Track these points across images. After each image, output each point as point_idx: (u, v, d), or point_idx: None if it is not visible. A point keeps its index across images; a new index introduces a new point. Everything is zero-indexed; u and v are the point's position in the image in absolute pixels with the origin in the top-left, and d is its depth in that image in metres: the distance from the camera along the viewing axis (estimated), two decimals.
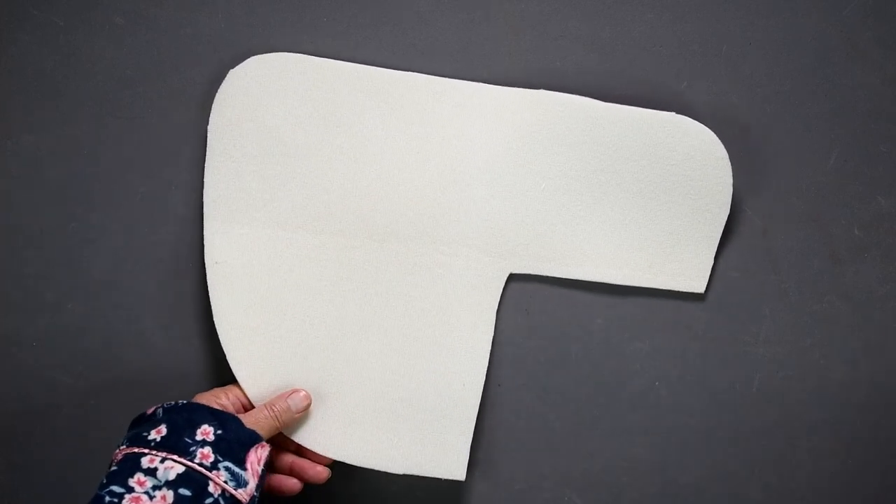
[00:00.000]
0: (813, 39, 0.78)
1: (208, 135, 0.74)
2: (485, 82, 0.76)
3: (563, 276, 0.76)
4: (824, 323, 0.77)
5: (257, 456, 0.63)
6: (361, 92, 0.75)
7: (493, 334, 0.75)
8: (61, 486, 0.76)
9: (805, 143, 0.78)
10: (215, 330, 0.73)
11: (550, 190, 0.76)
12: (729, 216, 0.76)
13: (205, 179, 0.75)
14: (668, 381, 0.77)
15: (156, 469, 0.58)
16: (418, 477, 0.75)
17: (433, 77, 0.76)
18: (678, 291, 0.77)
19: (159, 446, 0.60)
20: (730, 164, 0.75)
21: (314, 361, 0.74)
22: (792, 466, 0.77)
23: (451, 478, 0.75)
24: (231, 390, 0.70)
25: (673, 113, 0.75)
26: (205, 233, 0.74)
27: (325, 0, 0.77)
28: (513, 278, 0.76)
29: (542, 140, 0.75)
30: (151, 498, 0.57)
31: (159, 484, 0.58)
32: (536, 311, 0.77)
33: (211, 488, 0.59)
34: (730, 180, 0.75)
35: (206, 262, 0.74)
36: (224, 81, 0.74)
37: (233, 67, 0.74)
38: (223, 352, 0.73)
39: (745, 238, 0.77)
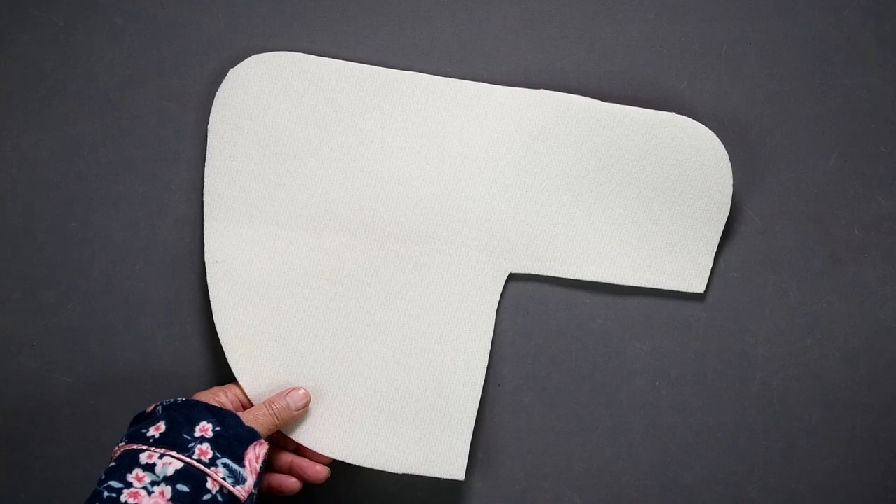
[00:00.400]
0: (813, 39, 0.78)
1: (208, 134, 0.74)
2: (485, 82, 0.76)
3: (563, 276, 0.76)
4: (824, 323, 0.77)
5: (256, 453, 0.63)
6: (362, 91, 0.75)
7: (492, 334, 0.75)
8: (61, 486, 0.76)
9: (805, 143, 0.78)
10: (215, 330, 0.73)
11: (550, 190, 0.76)
12: (729, 216, 0.76)
13: (205, 179, 0.75)
14: (668, 381, 0.77)
15: (154, 465, 0.59)
16: (418, 477, 0.75)
17: (433, 76, 0.76)
18: (678, 291, 0.77)
19: (158, 443, 0.60)
20: (730, 164, 0.75)
21: (313, 360, 0.74)
22: (792, 466, 0.77)
23: (450, 477, 0.75)
24: (230, 389, 0.70)
25: (673, 113, 0.75)
26: (205, 232, 0.74)
27: (325, 0, 0.77)
28: (513, 278, 0.76)
29: (542, 140, 0.75)
30: (150, 493, 0.58)
31: (157, 479, 0.58)
32: (536, 311, 0.77)
33: (209, 485, 0.59)
34: (730, 180, 0.75)
35: (205, 261, 0.74)
36: (224, 81, 0.74)
37: (233, 67, 0.74)
38: (223, 351, 0.73)
39: (745, 238, 0.77)
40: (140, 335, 0.76)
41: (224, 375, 0.74)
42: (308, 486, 0.71)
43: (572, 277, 0.76)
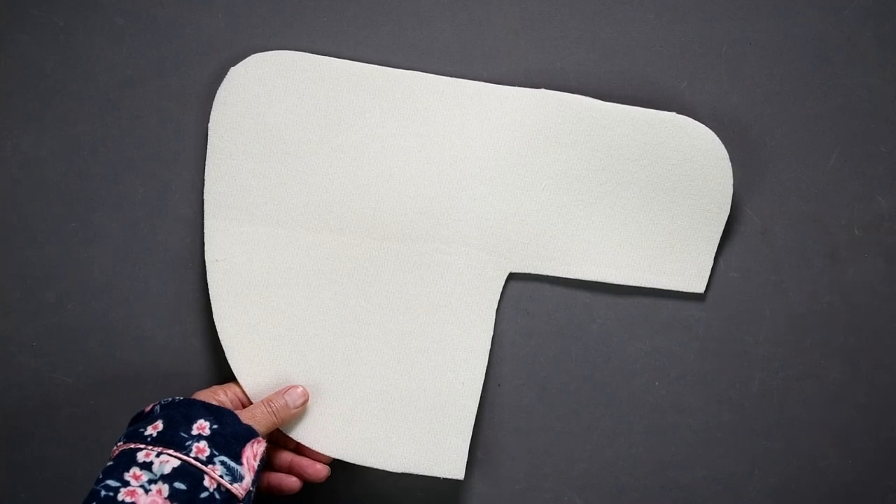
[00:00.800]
0: (813, 39, 0.78)
1: (209, 133, 0.74)
2: (485, 82, 0.76)
3: (563, 276, 0.76)
4: (824, 323, 0.77)
5: (253, 451, 0.63)
6: (362, 90, 0.75)
7: (492, 334, 0.75)
8: (61, 486, 0.76)
9: (805, 143, 0.78)
10: (215, 329, 0.73)
11: (551, 189, 0.76)
12: (729, 216, 0.76)
13: (205, 178, 0.75)
14: (668, 381, 0.77)
15: (151, 463, 0.59)
16: (417, 476, 0.75)
17: (434, 76, 0.76)
18: (678, 291, 0.77)
19: (155, 441, 0.60)
20: (730, 163, 0.75)
21: (314, 360, 0.74)
22: (792, 466, 0.77)
23: (449, 477, 0.75)
24: (230, 388, 0.70)
25: (673, 113, 0.75)
26: (205, 231, 0.74)
27: (325, 0, 0.77)
28: (513, 278, 0.76)
29: (542, 139, 0.75)
30: (147, 491, 0.58)
31: (154, 478, 0.58)
32: (536, 311, 0.77)
33: (206, 482, 0.59)
34: (730, 180, 0.75)
35: (206, 259, 0.74)
36: (225, 80, 0.74)
37: (233, 66, 0.74)
38: (223, 350, 0.73)
39: (745, 238, 0.77)
40: (140, 335, 0.76)
41: (224, 375, 0.74)
42: (308, 485, 0.71)
43: (572, 277, 0.76)
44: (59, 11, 0.76)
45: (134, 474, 0.58)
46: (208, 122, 0.74)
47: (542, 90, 0.76)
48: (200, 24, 0.77)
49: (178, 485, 0.58)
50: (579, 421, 0.77)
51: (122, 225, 0.76)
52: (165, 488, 0.58)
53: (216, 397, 0.68)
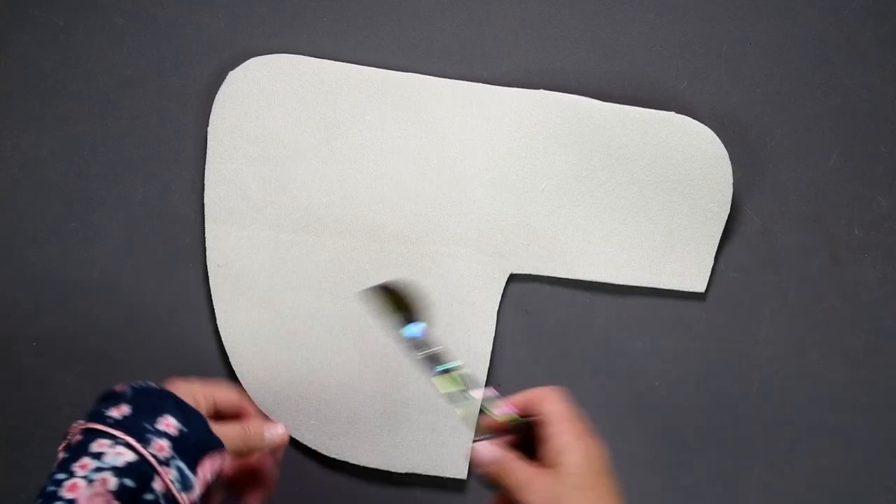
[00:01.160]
0: (813, 39, 0.78)
1: (208, 137, 0.74)
2: (485, 82, 0.76)
3: (563, 276, 0.76)
4: (824, 323, 0.77)
5: (213, 465, 0.59)
6: (361, 93, 0.75)
7: (493, 334, 0.76)
8: None
9: (805, 143, 0.78)
10: (215, 329, 0.73)
11: (551, 190, 0.76)
12: (729, 216, 0.76)
13: (205, 182, 0.75)
14: (668, 381, 0.77)
15: (103, 453, 0.55)
16: (420, 476, 0.75)
17: (433, 78, 0.76)
18: (678, 291, 0.77)
19: (117, 425, 0.57)
20: (730, 163, 0.75)
21: (316, 362, 0.74)
22: (792, 466, 0.77)
23: (452, 476, 0.75)
24: (212, 390, 0.64)
25: (673, 112, 0.75)
26: (206, 235, 0.74)
27: (325, 0, 0.77)
28: (513, 278, 0.76)
29: (542, 140, 0.75)
30: (90, 482, 0.54)
31: (103, 467, 0.55)
32: (536, 311, 0.77)
33: (156, 485, 0.56)
34: (730, 180, 0.75)
35: (207, 265, 0.74)
36: (223, 83, 0.74)
37: (232, 68, 0.74)
38: (223, 352, 0.73)
39: (745, 238, 0.77)
40: (140, 335, 0.76)
41: (224, 375, 0.74)
42: (308, 485, 0.72)
43: (572, 277, 0.76)
44: (59, 11, 0.76)
45: (81, 464, 0.55)
46: (208, 123, 0.74)
47: (542, 91, 0.76)
48: (200, 24, 0.77)
49: (127, 481, 0.55)
50: None
51: (122, 225, 0.76)
52: (113, 482, 0.54)
53: (192, 395, 0.63)
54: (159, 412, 0.58)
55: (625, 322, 0.77)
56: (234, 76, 0.74)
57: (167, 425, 0.57)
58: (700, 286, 0.77)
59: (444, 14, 0.77)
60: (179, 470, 0.57)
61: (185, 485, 0.57)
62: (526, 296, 0.77)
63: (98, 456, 0.55)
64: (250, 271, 0.74)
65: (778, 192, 0.78)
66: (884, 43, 0.78)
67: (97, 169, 0.76)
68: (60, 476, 0.55)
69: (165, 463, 0.56)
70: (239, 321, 0.74)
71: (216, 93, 0.75)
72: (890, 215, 0.78)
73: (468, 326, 0.75)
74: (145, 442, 0.56)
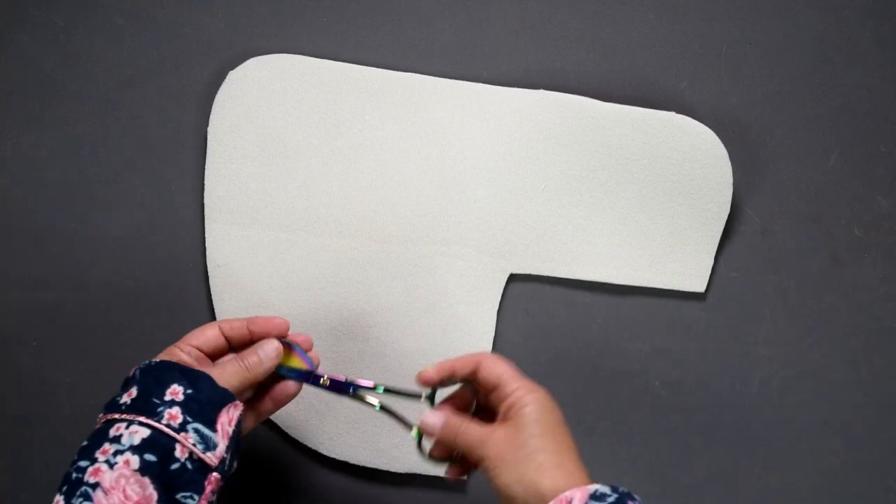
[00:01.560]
0: (813, 39, 0.78)
1: (208, 137, 0.74)
2: (485, 82, 0.76)
3: (563, 276, 0.76)
4: (824, 323, 0.77)
5: (229, 416, 0.60)
6: (361, 93, 0.75)
7: (493, 334, 0.75)
8: None
9: (805, 143, 0.78)
10: None
11: (551, 190, 0.76)
12: (729, 216, 0.76)
13: (205, 182, 0.75)
14: (668, 381, 0.77)
15: (121, 436, 0.57)
16: (420, 476, 0.75)
17: (433, 78, 0.76)
18: (678, 291, 0.77)
19: (129, 409, 0.58)
20: (730, 163, 0.75)
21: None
22: (792, 466, 0.77)
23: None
24: (186, 342, 0.64)
25: (673, 112, 0.75)
26: (206, 235, 0.74)
27: (325, 0, 0.77)
28: (513, 278, 0.76)
29: (542, 140, 0.75)
30: (112, 465, 0.56)
31: (122, 448, 0.56)
32: (536, 311, 0.77)
33: (178, 452, 0.57)
34: (730, 180, 0.75)
35: (207, 265, 0.74)
36: (223, 83, 0.74)
37: (232, 68, 0.74)
38: None
39: (745, 238, 0.77)
40: (140, 335, 0.76)
41: None
42: (308, 485, 0.72)
43: (572, 277, 0.76)
44: (59, 11, 0.76)
45: (103, 450, 0.56)
46: (208, 123, 0.74)
47: (542, 91, 0.76)
48: (200, 24, 0.77)
49: (148, 456, 0.56)
50: (579, 421, 0.77)
51: (122, 225, 0.76)
52: (135, 460, 0.56)
53: (179, 357, 0.63)
54: (165, 384, 0.59)
55: (625, 322, 0.77)
56: (234, 76, 0.74)
57: (174, 393, 0.59)
58: (700, 286, 0.77)
59: (444, 14, 0.77)
60: (197, 431, 0.58)
61: (208, 444, 0.58)
62: (526, 296, 0.77)
63: (116, 440, 0.57)
64: (250, 271, 0.74)
65: (778, 192, 0.78)
66: (884, 43, 0.78)
67: (97, 169, 0.76)
68: (83, 463, 0.56)
69: (182, 429, 0.57)
70: None
71: (216, 93, 0.75)
72: (890, 215, 0.78)
73: (468, 326, 0.75)
74: (158, 416, 0.57)
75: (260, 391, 0.65)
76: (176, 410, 0.58)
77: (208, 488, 0.58)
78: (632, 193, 0.76)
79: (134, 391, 0.59)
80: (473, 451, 0.59)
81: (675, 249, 0.76)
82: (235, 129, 0.74)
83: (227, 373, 0.62)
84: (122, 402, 0.59)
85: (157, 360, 0.61)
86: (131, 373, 0.62)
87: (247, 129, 0.74)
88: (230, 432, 0.59)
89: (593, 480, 0.57)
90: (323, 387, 0.65)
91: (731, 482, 0.77)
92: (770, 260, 0.78)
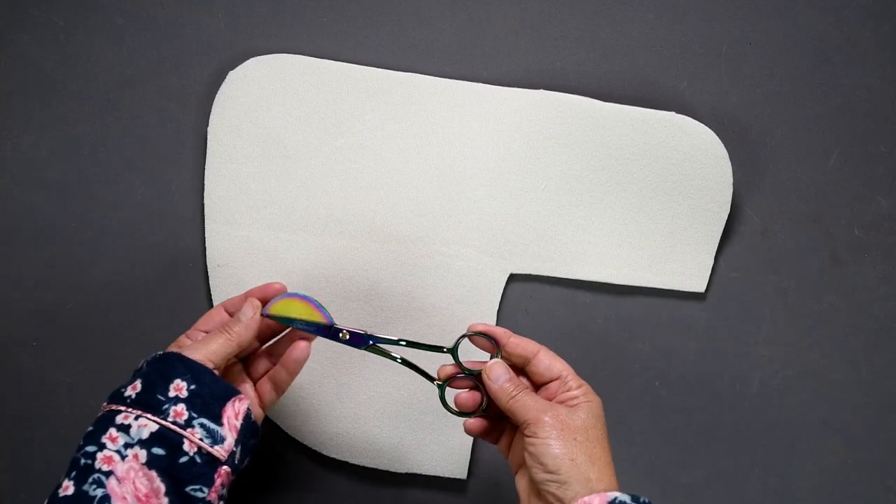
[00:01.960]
0: (813, 39, 0.78)
1: (208, 137, 0.74)
2: (485, 82, 0.76)
3: (564, 276, 0.76)
4: (824, 323, 0.77)
5: (235, 410, 0.60)
6: (361, 93, 0.75)
7: None
8: None
9: (805, 143, 0.78)
10: None
11: (551, 190, 0.76)
12: (729, 216, 0.76)
13: (205, 182, 0.75)
14: (668, 381, 0.77)
15: (129, 426, 0.57)
16: (420, 476, 0.75)
17: (433, 78, 0.76)
18: (678, 291, 0.77)
19: (134, 403, 0.58)
20: (730, 163, 0.75)
21: (317, 364, 0.74)
22: (792, 466, 0.77)
23: (452, 476, 0.75)
24: (196, 328, 0.65)
25: (673, 112, 0.75)
26: (206, 235, 0.74)
27: (325, 0, 0.77)
28: (513, 278, 0.76)
29: (542, 140, 0.75)
30: (123, 457, 0.56)
31: (132, 442, 0.57)
32: (536, 311, 0.77)
33: (186, 447, 0.57)
34: (730, 180, 0.75)
35: (207, 265, 0.74)
36: (223, 83, 0.74)
37: (232, 68, 0.74)
38: None
39: (745, 238, 0.77)
40: (140, 335, 0.76)
41: None
42: (308, 485, 0.72)
43: (572, 277, 0.76)
44: (59, 11, 0.76)
45: (111, 436, 0.57)
46: (208, 123, 0.74)
47: (542, 91, 0.76)
48: (200, 24, 0.77)
49: (157, 450, 0.57)
50: None
51: (122, 225, 0.76)
52: (143, 454, 0.57)
53: (187, 345, 0.64)
54: (169, 379, 0.59)
55: (625, 322, 0.77)
56: (234, 76, 0.74)
57: (178, 389, 0.59)
58: (700, 286, 0.77)
59: (444, 14, 0.77)
60: (203, 426, 0.59)
61: (215, 438, 0.59)
62: (526, 296, 0.77)
63: (125, 429, 0.57)
64: (250, 271, 0.74)
65: (778, 192, 0.78)
66: (884, 43, 0.78)
67: (97, 169, 0.76)
68: (91, 448, 0.57)
69: (188, 425, 0.58)
70: None
71: (216, 93, 0.75)
72: (890, 215, 0.78)
73: (468, 326, 0.75)
74: (164, 414, 0.58)
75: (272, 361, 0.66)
76: (181, 407, 0.58)
77: (218, 481, 0.58)
78: (632, 193, 0.76)
79: (138, 384, 0.59)
80: (526, 413, 0.59)
81: (675, 249, 0.76)
82: (235, 129, 0.74)
83: (214, 345, 0.62)
84: (126, 394, 0.59)
85: (163, 352, 0.61)
86: (140, 364, 0.62)
87: (247, 129, 0.74)
88: (238, 426, 0.60)
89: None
90: (342, 340, 0.65)
91: (731, 482, 0.77)
92: (770, 260, 0.78)
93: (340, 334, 0.65)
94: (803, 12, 0.78)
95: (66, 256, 0.76)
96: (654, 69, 0.77)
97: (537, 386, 0.63)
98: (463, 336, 0.64)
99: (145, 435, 0.57)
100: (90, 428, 0.58)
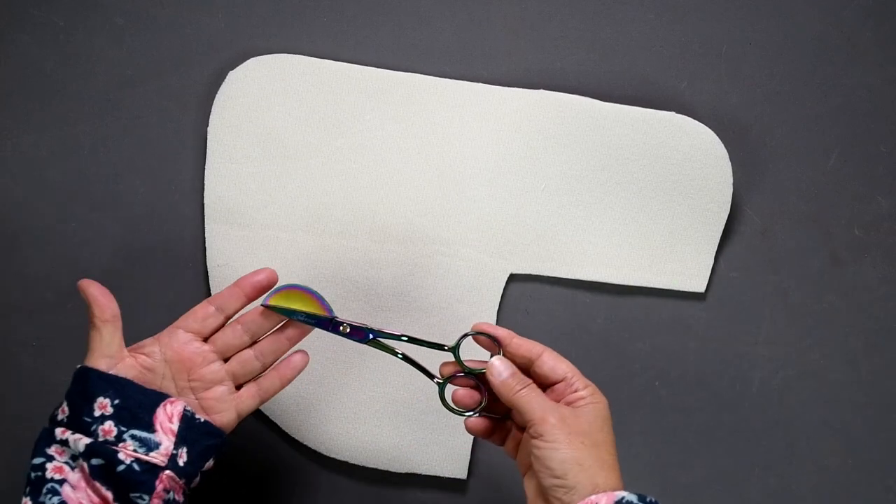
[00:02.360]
0: (813, 39, 0.78)
1: (208, 137, 0.74)
2: (485, 82, 0.76)
3: (563, 276, 0.76)
4: (824, 323, 0.77)
5: (167, 413, 0.59)
6: (361, 93, 0.75)
7: None
8: None
9: (805, 143, 0.78)
10: None
11: (551, 190, 0.76)
12: (729, 216, 0.76)
13: (205, 182, 0.75)
14: (668, 381, 0.77)
15: (67, 440, 0.58)
16: (420, 476, 0.75)
17: (433, 78, 0.76)
18: (678, 291, 0.77)
19: (67, 425, 0.59)
20: (730, 163, 0.75)
21: (317, 364, 0.74)
22: (792, 466, 0.77)
23: (452, 476, 0.75)
24: (129, 356, 0.62)
25: (673, 112, 0.75)
26: (206, 235, 0.74)
27: (325, 0, 0.77)
28: (513, 278, 0.76)
29: (542, 140, 0.75)
30: (73, 468, 0.58)
31: (76, 454, 0.58)
32: (536, 311, 0.77)
33: (122, 456, 0.58)
34: (730, 180, 0.75)
35: (207, 265, 0.74)
36: (223, 83, 0.74)
37: (232, 68, 0.74)
38: None
39: (745, 238, 0.77)
40: (140, 335, 0.76)
41: None
42: (308, 485, 0.71)
43: (572, 277, 0.76)
44: (59, 11, 0.76)
45: (56, 449, 0.58)
46: (208, 123, 0.74)
47: (542, 91, 0.76)
48: (200, 24, 0.77)
49: (95, 461, 0.57)
50: None
51: (122, 225, 0.76)
52: (86, 466, 0.57)
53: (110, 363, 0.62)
54: (91, 398, 0.59)
55: (625, 322, 0.77)
56: (234, 76, 0.74)
57: (102, 407, 0.59)
58: (700, 286, 0.77)
59: (444, 14, 0.77)
60: (134, 437, 0.58)
61: (149, 446, 0.59)
62: (526, 296, 0.77)
63: (65, 443, 0.58)
64: (250, 271, 0.74)
65: (778, 192, 0.78)
66: (884, 43, 0.78)
67: (97, 169, 0.76)
68: (38, 460, 0.58)
69: (119, 440, 0.58)
70: None
71: (216, 93, 0.75)
72: (890, 215, 0.78)
73: (468, 326, 0.75)
74: (93, 435, 0.58)
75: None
76: (108, 425, 0.58)
77: (160, 486, 0.58)
78: (632, 193, 0.76)
79: (66, 408, 0.59)
80: (531, 413, 0.59)
81: (675, 249, 0.76)
82: (235, 129, 0.74)
83: (146, 362, 0.62)
84: (59, 418, 0.60)
85: (80, 366, 0.61)
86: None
87: (247, 129, 0.74)
88: (175, 428, 0.59)
89: None
90: (343, 333, 0.65)
91: (731, 482, 0.77)
92: (770, 260, 0.78)
93: (341, 327, 0.65)
94: (803, 12, 0.78)
95: (66, 256, 0.76)
96: (654, 69, 0.77)
97: (542, 388, 0.62)
98: (465, 335, 0.64)
99: (82, 448, 0.57)
100: (35, 447, 0.59)
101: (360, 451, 0.74)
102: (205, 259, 0.75)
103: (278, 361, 0.66)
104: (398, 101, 0.75)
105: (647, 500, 0.56)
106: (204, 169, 0.75)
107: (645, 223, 0.76)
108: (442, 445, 0.74)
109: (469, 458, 0.75)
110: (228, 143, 0.74)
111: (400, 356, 0.65)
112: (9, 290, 0.76)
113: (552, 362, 0.61)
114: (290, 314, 0.64)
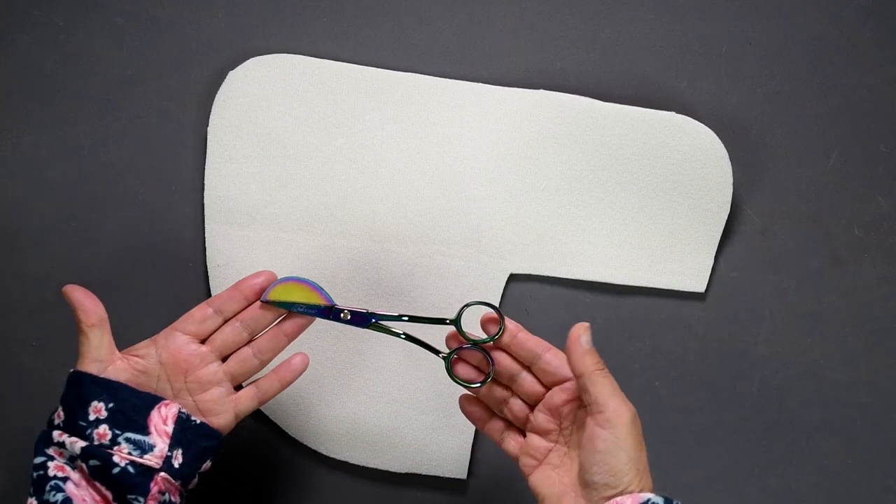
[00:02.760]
0: (813, 39, 0.78)
1: (208, 137, 0.74)
2: (485, 82, 0.76)
3: (563, 276, 0.76)
4: (824, 323, 0.77)
5: (162, 416, 0.60)
6: (361, 93, 0.75)
7: None
8: None
9: (805, 143, 0.78)
10: None
11: (551, 190, 0.76)
12: (729, 216, 0.76)
13: (205, 182, 0.75)
14: (668, 381, 0.77)
15: (64, 442, 0.58)
16: (420, 476, 0.75)
17: (433, 78, 0.76)
18: (678, 291, 0.77)
19: (63, 429, 0.59)
20: (730, 163, 0.75)
21: (316, 363, 0.74)
22: (792, 466, 0.77)
23: (452, 476, 0.75)
24: (121, 359, 0.62)
25: (673, 112, 0.75)
26: (206, 235, 0.74)
27: (325, 0, 0.77)
28: (513, 278, 0.76)
29: (542, 140, 0.75)
30: (73, 468, 0.58)
31: (74, 455, 0.58)
32: (536, 311, 0.77)
33: (116, 458, 0.58)
34: (730, 180, 0.75)
35: (207, 265, 0.74)
36: (223, 83, 0.74)
37: (232, 68, 0.75)
38: None
39: (745, 238, 0.77)
40: (140, 335, 0.76)
41: None
42: (308, 485, 0.71)
43: (572, 277, 0.76)
44: (59, 11, 0.76)
45: (55, 450, 0.59)
46: (208, 123, 0.74)
47: (542, 91, 0.76)
48: (200, 24, 0.77)
49: (93, 462, 0.58)
50: None
51: (122, 225, 0.76)
52: (84, 466, 0.58)
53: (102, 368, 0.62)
54: (86, 402, 0.59)
55: (625, 322, 0.77)
56: (234, 76, 0.74)
57: (97, 411, 0.59)
58: (700, 286, 0.77)
59: (444, 14, 0.77)
60: (129, 440, 0.59)
61: (143, 448, 0.59)
62: (526, 296, 0.77)
63: (63, 445, 0.58)
64: (250, 271, 0.74)
65: (778, 192, 0.78)
66: (884, 43, 0.78)
67: (97, 169, 0.76)
68: (40, 460, 0.58)
69: (114, 443, 0.58)
70: None
71: (216, 93, 0.75)
72: (890, 215, 0.78)
73: (468, 326, 0.75)
74: (88, 439, 0.58)
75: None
76: (103, 428, 0.59)
77: (154, 488, 0.59)
78: (632, 193, 0.76)
79: (61, 413, 0.60)
80: (605, 401, 0.56)
81: (675, 249, 0.76)
82: (235, 129, 0.74)
83: (143, 364, 0.62)
84: (56, 422, 0.60)
85: (73, 370, 0.61)
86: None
87: (247, 129, 0.74)
88: (169, 430, 0.60)
89: None
90: (344, 320, 0.65)
91: (731, 482, 0.77)
92: (770, 260, 0.78)
93: (342, 314, 0.65)
94: (803, 12, 0.78)
95: (66, 256, 0.76)
96: (654, 69, 0.77)
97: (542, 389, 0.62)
98: (466, 305, 0.63)
99: (78, 451, 0.58)
100: (35, 448, 0.60)
101: (360, 451, 0.74)
102: (205, 259, 0.75)
103: (278, 363, 0.66)
104: (398, 101, 0.75)
105: (674, 503, 0.56)
106: (204, 169, 0.75)
107: (645, 223, 0.76)
108: (442, 445, 0.74)
109: (469, 458, 0.75)
110: (228, 143, 0.74)
111: (403, 336, 0.65)
112: (9, 290, 0.76)
113: (558, 361, 0.61)
114: (289, 307, 0.64)
